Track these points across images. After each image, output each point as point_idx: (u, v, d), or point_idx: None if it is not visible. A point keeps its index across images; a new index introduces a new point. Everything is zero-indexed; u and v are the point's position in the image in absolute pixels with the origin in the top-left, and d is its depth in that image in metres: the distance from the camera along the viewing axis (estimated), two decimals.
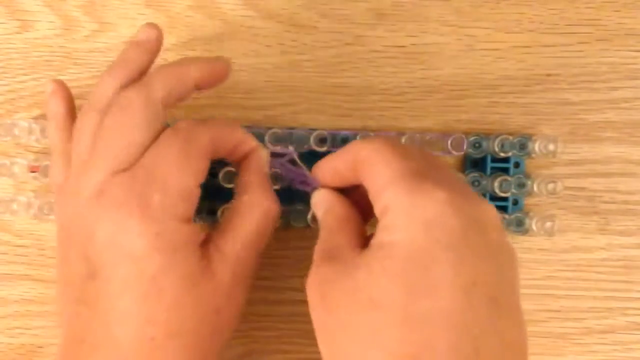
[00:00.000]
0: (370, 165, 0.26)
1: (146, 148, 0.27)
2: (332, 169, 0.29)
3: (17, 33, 0.36)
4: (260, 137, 0.32)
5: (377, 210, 0.25)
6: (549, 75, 0.36)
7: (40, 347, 0.36)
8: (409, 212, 0.24)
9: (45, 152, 0.36)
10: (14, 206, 0.35)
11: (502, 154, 0.34)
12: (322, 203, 0.29)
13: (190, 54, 0.36)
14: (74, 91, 0.36)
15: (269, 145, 0.33)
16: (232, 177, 0.33)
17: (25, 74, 0.36)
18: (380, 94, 0.36)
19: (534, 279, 0.35)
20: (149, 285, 0.26)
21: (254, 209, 0.29)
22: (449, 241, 0.23)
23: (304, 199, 0.32)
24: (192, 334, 0.27)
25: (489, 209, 0.25)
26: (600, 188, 0.36)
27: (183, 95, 0.29)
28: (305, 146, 0.33)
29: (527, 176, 0.34)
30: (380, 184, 0.25)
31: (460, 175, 0.34)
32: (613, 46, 0.36)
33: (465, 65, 0.36)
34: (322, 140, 0.33)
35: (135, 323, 0.26)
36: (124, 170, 0.27)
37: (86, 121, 0.28)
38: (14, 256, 0.36)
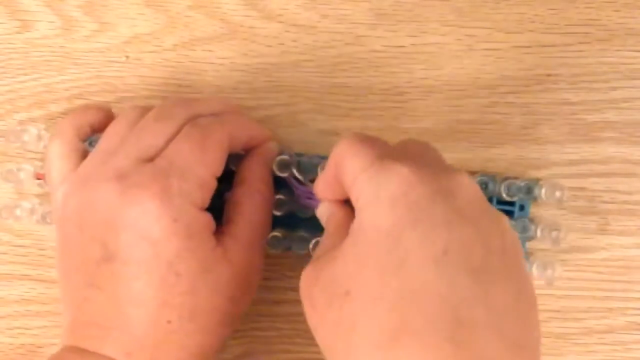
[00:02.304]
0: (343, 161, 0.26)
1: (170, 140, 0.29)
2: (324, 182, 0.29)
3: (17, 33, 0.36)
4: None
5: (353, 202, 0.25)
6: (549, 75, 0.36)
7: (40, 347, 0.36)
8: (375, 194, 0.24)
9: None
10: (18, 212, 0.35)
11: (508, 198, 0.34)
12: (325, 211, 0.29)
13: (191, 54, 0.36)
14: (74, 91, 0.36)
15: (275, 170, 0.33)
16: None
17: (25, 74, 0.36)
18: (380, 94, 0.36)
19: (533, 279, 0.35)
20: (165, 269, 0.27)
21: (256, 196, 0.31)
22: (414, 215, 0.23)
23: (307, 225, 0.33)
24: (206, 319, 0.28)
25: (462, 179, 0.24)
26: (600, 188, 0.36)
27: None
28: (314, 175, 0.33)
29: (532, 220, 0.34)
30: (351, 176, 0.25)
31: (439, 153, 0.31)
32: (613, 46, 0.36)
33: (465, 65, 0.36)
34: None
35: (151, 306, 0.27)
36: (149, 159, 0.28)
37: (124, 123, 0.31)
38: (14, 256, 0.36)
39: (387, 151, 0.25)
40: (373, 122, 0.36)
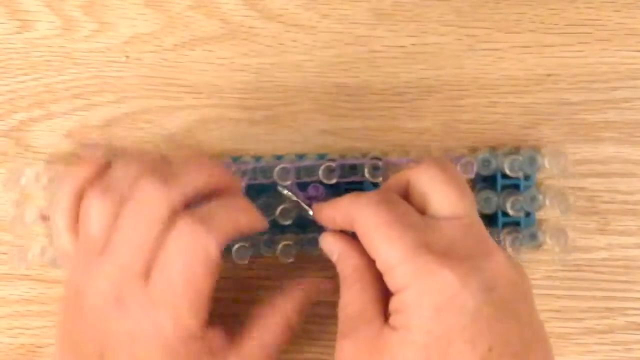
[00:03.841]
0: (371, 237, 0.26)
1: (156, 249, 0.26)
2: (329, 219, 0.29)
3: (17, 33, 0.36)
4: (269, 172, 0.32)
5: (388, 283, 0.26)
6: (549, 75, 0.36)
7: (40, 347, 0.36)
8: (419, 300, 0.25)
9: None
10: (29, 256, 0.34)
11: (512, 174, 0.34)
12: (334, 248, 0.29)
13: (191, 54, 0.36)
14: (74, 91, 0.36)
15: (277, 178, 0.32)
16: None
17: (25, 74, 0.36)
18: (380, 94, 0.36)
19: (534, 279, 0.35)
20: None
21: (276, 318, 0.29)
22: (461, 321, 0.24)
23: (316, 225, 0.32)
24: None
25: (496, 262, 0.25)
26: (600, 188, 0.36)
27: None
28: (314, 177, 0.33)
29: (539, 188, 0.34)
30: (385, 261, 0.26)
31: (471, 196, 0.29)
32: (613, 46, 0.36)
33: (465, 65, 0.36)
34: (331, 171, 0.33)
35: None
36: (141, 275, 0.26)
37: (101, 208, 0.27)
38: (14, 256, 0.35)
39: (424, 235, 0.26)
40: (373, 122, 0.36)
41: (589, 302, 0.35)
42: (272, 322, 0.29)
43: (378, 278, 0.27)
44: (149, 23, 0.36)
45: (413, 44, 0.36)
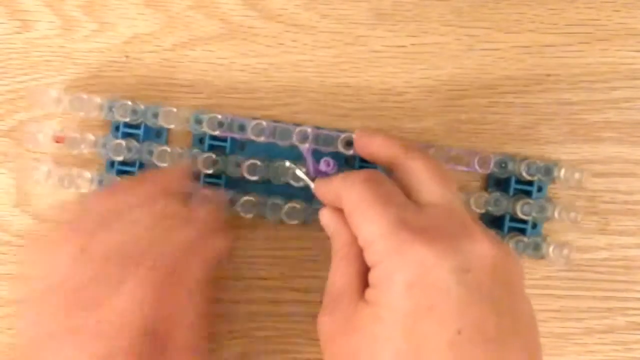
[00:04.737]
0: (353, 214, 0.26)
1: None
2: (323, 197, 0.29)
3: (17, 33, 0.36)
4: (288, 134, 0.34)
5: (366, 258, 0.26)
6: (549, 75, 0.36)
7: None
8: (391, 275, 0.24)
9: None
10: (35, 175, 0.35)
11: (529, 177, 0.34)
12: (330, 224, 0.29)
13: (191, 54, 0.36)
14: (73, 91, 0.36)
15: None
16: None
17: (25, 74, 0.36)
18: (380, 94, 0.36)
19: (534, 279, 0.35)
20: None
21: (194, 299, 0.29)
22: (430, 300, 0.24)
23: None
24: None
25: (478, 244, 0.25)
26: (600, 188, 0.36)
27: None
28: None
29: (549, 201, 0.34)
30: (365, 237, 0.26)
31: (451, 185, 0.29)
32: (613, 46, 0.36)
33: (465, 65, 0.36)
34: (349, 143, 0.33)
35: None
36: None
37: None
38: (14, 256, 0.35)
39: (404, 213, 0.26)
40: (373, 122, 0.36)
41: (589, 302, 0.35)
42: (186, 302, 0.29)
43: (362, 255, 0.27)
44: (149, 23, 0.36)
45: (413, 44, 0.36)
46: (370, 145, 0.30)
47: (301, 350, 0.35)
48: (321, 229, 0.29)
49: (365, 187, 0.26)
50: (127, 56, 0.36)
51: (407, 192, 0.27)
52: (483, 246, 0.25)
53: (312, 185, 0.31)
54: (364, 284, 0.26)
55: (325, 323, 0.27)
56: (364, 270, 0.27)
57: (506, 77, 0.36)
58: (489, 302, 0.24)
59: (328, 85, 0.36)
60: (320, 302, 0.35)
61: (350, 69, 0.36)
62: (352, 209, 0.27)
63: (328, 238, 0.29)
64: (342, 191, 0.27)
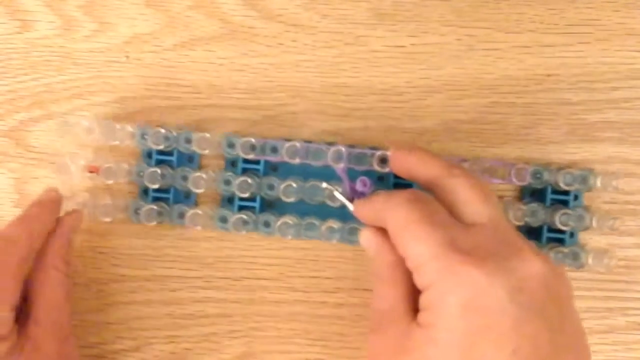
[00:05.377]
0: (401, 235, 0.26)
1: None
2: (366, 218, 0.29)
3: (17, 33, 0.36)
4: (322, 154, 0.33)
5: (415, 280, 0.26)
6: (549, 75, 0.36)
7: None
8: (444, 297, 0.24)
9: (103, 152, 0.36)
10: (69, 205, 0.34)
11: (566, 187, 0.34)
12: (371, 245, 0.29)
13: (191, 54, 0.36)
14: (74, 91, 0.36)
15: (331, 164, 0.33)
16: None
17: (25, 74, 0.36)
18: (380, 94, 0.36)
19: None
20: None
21: (51, 273, 0.31)
22: (485, 321, 0.24)
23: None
24: None
25: (528, 262, 0.25)
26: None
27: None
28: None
29: (586, 209, 0.34)
30: (415, 260, 0.26)
31: (495, 202, 0.29)
32: (613, 46, 0.36)
33: (465, 65, 0.36)
34: (383, 161, 0.33)
35: None
36: None
37: None
38: None
39: (452, 234, 0.26)
40: (373, 122, 0.36)
41: (589, 302, 0.35)
42: (42, 279, 0.31)
43: (410, 276, 0.27)
44: (149, 23, 0.36)
45: (413, 44, 0.36)
46: (408, 163, 0.30)
47: (301, 350, 0.35)
48: (354, 248, 0.29)
49: (411, 207, 0.26)
50: (127, 56, 0.36)
51: (451, 211, 0.27)
52: (533, 264, 0.25)
53: (350, 205, 0.31)
54: (412, 305, 0.27)
55: (376, 343, 0.27)
56: (411, 292, 0.27)
57: (506, 77, 0.36)
58: (543, 320, 0.24)
59: (328, 85, 0.36)
60: (320, 302, 0.35)
61: (350, 69, 0.36)
62: (399, 230, 0.26)
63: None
64: (387, 212, 0.27)
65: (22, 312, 0.30)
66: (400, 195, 0.27)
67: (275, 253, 0.35)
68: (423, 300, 0.26)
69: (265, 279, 0.35)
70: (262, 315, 0.35)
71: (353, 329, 0.35)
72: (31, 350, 0.29)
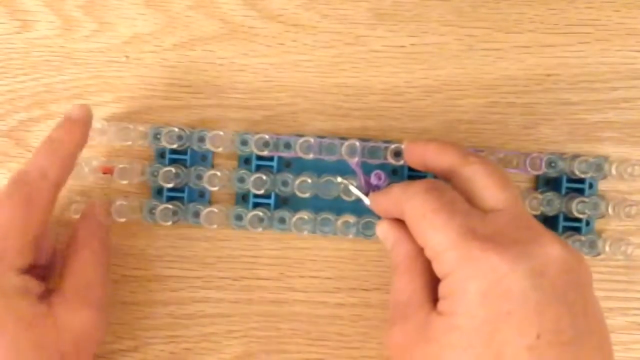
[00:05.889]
0: (419, 225, 0.26)
1: None
2: (382, 210, 0.29)
3: (17, 33, 0.36)
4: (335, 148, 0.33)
5: (435, 269, 0.26)
6: (549, 75, 0.36)
7: None
8: (465, 285, 0.25)
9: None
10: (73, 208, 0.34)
11: (581, 175, 0.34)
12: (389, 237, 0.29)
13: (191, 54, 0.36)
14: (74, 91, 0.36)
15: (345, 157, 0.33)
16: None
17: (25, 74, 0.36)
18: (380, 94, 0.36)
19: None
20: None
21: (84, 252, 0.31)
22: (507, 306, 0.24)
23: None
24: None
25: (548, 248, 0.25)
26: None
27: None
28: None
29: (601, 197, 0.34)
30: (432, 247, 0.26)
31: (513, 188, 0.29)
32: (613, 46, 0.36)
33: (465, 65, 0.36)
34: (397, 154, 0.33)
35: None
36: None
37: None
38: None
39: (471, 221, 0.26)
40: (373, 122, 0.36)
41: None
42: (74, 257, 0.31)
43: (428, 266, 0.27)
44: (149, 23, 0.36)
45: (413, 44, 0.36)
46: (423, 154, 0.30)
47: (302, 350, 0.35)
48: (371, 241, 0.29)
49: (429, 196, 0.26)
50: (127, 56, 0.36)
51: (469, 199, 0.27)
52: (553, 249, 0.25)
53: (365, 199, 0.31)
54: (432, 294, 0.27)
55: (396, 335, 0.27)
56: (431, 281, 0.27)
57: (506, 77, 0.36)
58: (564, 304, 0.24)
59: (328, 85, 0.36)
60: (320, 302, 0.35)
61: (350, 69, 0.36)
62: (418, 219, 0.27)
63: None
64: (404, 202, 0.27)
65: (51, 289, 0.30)
66: (418, 185, 0.27)
67: (275, 253, 0.35)
68: (443, 288, 0.26)
69: (265, 279, 0.35)
70: (261, 315, 0.35)
71: (352, 329, 0.35)
72: (45, 312, 0.29)
